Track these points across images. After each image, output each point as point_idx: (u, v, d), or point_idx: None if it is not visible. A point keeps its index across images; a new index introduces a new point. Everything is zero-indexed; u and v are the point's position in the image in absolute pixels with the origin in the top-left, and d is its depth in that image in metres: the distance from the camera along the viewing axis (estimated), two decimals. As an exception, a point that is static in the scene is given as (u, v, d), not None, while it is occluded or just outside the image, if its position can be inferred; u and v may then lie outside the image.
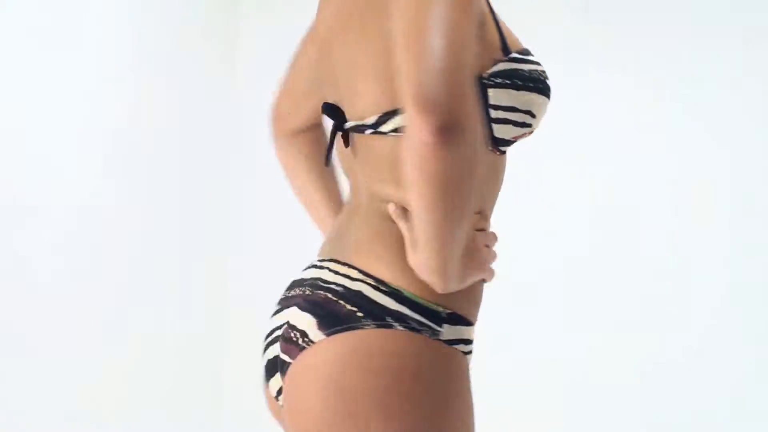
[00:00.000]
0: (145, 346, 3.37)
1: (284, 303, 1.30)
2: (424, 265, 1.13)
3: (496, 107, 1.21)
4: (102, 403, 3.17)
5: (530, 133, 1.25)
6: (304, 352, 1.18)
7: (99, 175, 3.11)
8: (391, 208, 1.21)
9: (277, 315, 1.31)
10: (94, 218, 3.11)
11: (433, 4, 1.02)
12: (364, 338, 1.14)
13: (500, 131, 1.22)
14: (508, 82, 1.21)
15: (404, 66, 1.01)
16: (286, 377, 1.21)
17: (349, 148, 1.28)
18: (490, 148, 1.24)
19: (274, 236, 3.93)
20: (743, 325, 3.46)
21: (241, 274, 3.96)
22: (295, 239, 3.52)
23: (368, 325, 1.15)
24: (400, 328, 1.15)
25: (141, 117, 3.34)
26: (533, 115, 1.23)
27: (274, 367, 1.29)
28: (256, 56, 4.01)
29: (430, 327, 1.17)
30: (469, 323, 1.21)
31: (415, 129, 0.99)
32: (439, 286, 1.14)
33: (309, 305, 1.21)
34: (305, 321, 1.20)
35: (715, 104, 3.54)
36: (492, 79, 1.20)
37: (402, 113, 1.13)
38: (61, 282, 2.97)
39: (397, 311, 1.16)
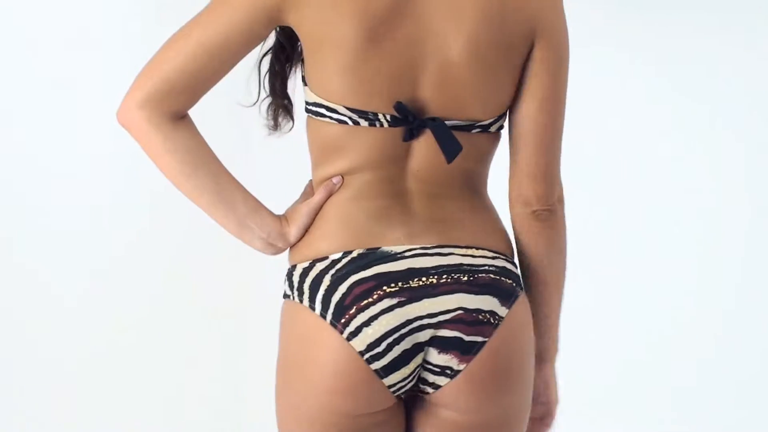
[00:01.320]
0: (157, 348, 3.32)
1: (412, 293, 1.37)
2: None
3: None
4: (115, 407, 3.16)
5: None
6: (504, 325, 1.41)
7: (108, 173, 3.08)
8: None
9: (409, 306, 1.37)
10: (104, 217, 3.08)
11: (562, 106, 1.48)
12: (523, 301, 1.46)
13: None
14: None
15: (545, 159, 1.46)
16: (490, 349, 1.40)
17: (411, 140, 1.41)
18: None
19: None
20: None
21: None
22: None
23: (520, 291, 1.46)
24: (523, 288, 1.50)
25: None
26: None
27: (410, 355, 1.38)
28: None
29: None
30: None
31: (561, 215, 1.51)
32: None
33: (482, 288, 1.40)
34: (488, 302, 1.40)
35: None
36: None
37: (505, 116, 1.47)
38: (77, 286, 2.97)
39: (518, 275, 1.49)
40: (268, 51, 1.49)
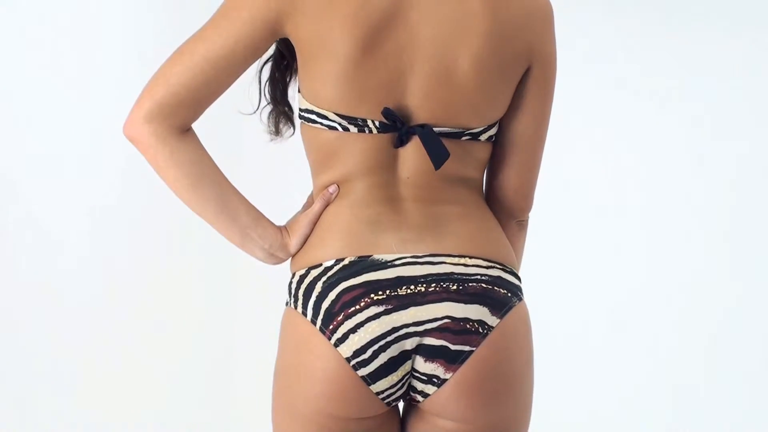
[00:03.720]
0: (147, 347, 3.35)
1: (399, 301, 1.38)
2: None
3: None
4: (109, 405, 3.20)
5: None
6: (495, 334, 1.41)
7: (102, 174, 3.13)
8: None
9: (395, 314, 1.37)
10: (102, 217, 3.14)
11: (545, 129, 1.56)
12: (520, 311, 1.45)
13: None
14: None
15: (530, 174, 1.56)
16: (477, 358, 1.40)
17: (400, 147, 1.43)
18: None
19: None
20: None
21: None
22: None
23: (515, 301, 1.45)
24: (522, 297, 1.48)
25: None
26: None
27: (397, 363, 1.39)
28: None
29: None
30: None
31: (525, 222, 1.62)
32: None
33: (472, 297, 1.40)
34: (477, 311, 1.40)
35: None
36: None
37: (495, 126, 1.50)
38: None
39: (518, 285, 1.48)
40: (269, 59, 1.51)
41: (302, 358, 1.40)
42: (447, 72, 1.40)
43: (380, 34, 1.37)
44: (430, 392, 1.41)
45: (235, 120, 1.64)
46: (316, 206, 1.45)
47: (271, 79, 1.53)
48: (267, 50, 1.44)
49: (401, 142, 1.42)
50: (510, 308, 1.43)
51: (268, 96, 1.54)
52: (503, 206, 1.56)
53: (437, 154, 1.40)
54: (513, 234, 1.59)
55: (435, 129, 1.42)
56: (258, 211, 1.48)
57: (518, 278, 1.49)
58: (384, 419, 1.46)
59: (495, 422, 1.43)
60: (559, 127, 1.81)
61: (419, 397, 1.43)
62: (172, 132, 1.38)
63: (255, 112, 1.55)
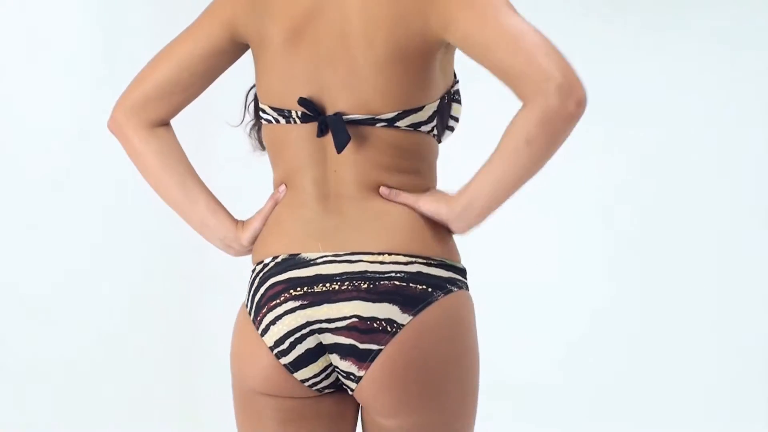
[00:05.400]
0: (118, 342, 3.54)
1: (313, 298, 1.44)
2: (476, 212, 1.45)
3: (453, 118, 1.56)
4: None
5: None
6: (405, 332, 1.42)
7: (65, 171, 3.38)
8: (384, 190, 1.47)
9: (309, 309, 1.44)
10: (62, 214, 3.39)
11: (504, 15, 1.37)
12: (443, 304, 1.44)
13: (445, 135, 1.57)
14: (458, 98, 1.56)
15: (523, 60, 1.33)
16: (385, 357, 1.42)
17: (321, 137, 1.47)
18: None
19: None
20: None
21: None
22: None
23: (439, 294, 1.44)
24: (455, 290, 1.47)
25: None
26: (457, 121, 1.58)
27: (313, 355, 1.46)
28: None
29: (465, 282, 1.51)
30: None
31: (556, 105, 1.32)
32: (467, 228, 1.49)
33: (380, 295, 1.42)
34: (386, 310, 1.42)
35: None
36: (455, 95, 1.55)
37: (418, 111, 1.46)
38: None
39: (449, 277, 1.47)
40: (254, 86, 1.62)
41: (239, 344, 1.53)
42: (355, 61, 1.45)
43: (303, 28, 1.47)
44: (353, 387, 1.46)
45: (223, 128, 1.78)
46: (266, 205, 1.56)
47: (255, 98, 1.63)
48: (234, 56, 1.58)
49: (321, 131, 1.46)
50: (428, 303, 1.43)
51: (251, 112, 1.65)
52: (519, 94, 1.38)
53: (339, 139, 1.44)
54: (512, 121, 1.39)
55: (347, 117, 1.45)
56: (219, 204, 1.61)
57: (452, 269, 1.48)
58: (327, 400, 1.53)
59: (421, 419, 1.45)
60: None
61: (349, 391, 1.49)
62: (144, 126, 1.56)
63: (239, 125, 1.67)
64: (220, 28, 1.54)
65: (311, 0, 1.47)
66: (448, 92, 1.53)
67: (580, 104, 1.33)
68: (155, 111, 1.56)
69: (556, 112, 1.33)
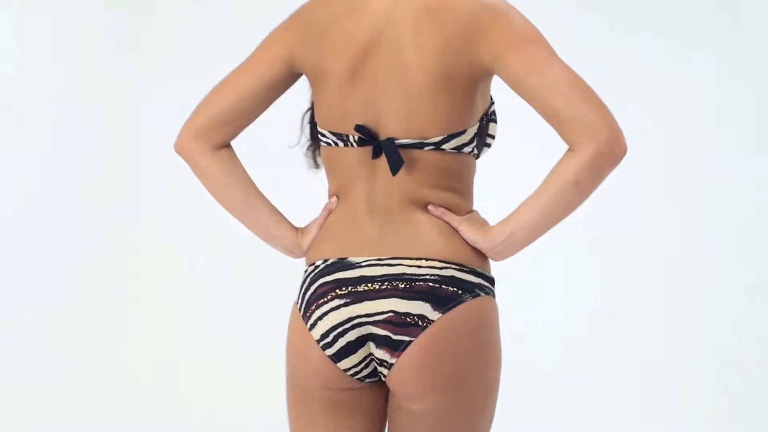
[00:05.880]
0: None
1: (356, 296, 1.62)
2: (513, 244, 1.63)
3: (490, 136, 1.73)
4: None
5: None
6: (435, 327, 1.59)
7: None
8: (432, 208, 1.65)
9: (352, 306, 1.62)
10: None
11: (551, 61, 1.55)
12: (471, 306, 1.61)
13: (483, 151, 1.74)
14: (494, 117, 1.72)
15: (576, 109, 1.51)
16: (416, 347, 1.60)
17: (376, 159, 1.64)
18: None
19: (174, 238, 4.13)
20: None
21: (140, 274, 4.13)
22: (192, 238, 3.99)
23: (467, 297, 1.61)
24: (483, 294, 1.63)
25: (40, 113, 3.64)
26: (494, 138, 1.75)
27: (355, 346, 1.64)
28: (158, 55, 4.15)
29: (492, 289, 1.68)
30: None
31: (606, 154, 1.51)
32: (502, 258, 1.67)
33: (415, 294, 1.59)
34: (419, 307, 1.59)
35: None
36: (492, 116, 1.71)
37: (461, 135, 1.62)
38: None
39: (478, 283, 1.64)
40: (311, 108, 1.79)
41: (292, 339, 1.71)
42: (406, 90, 1.61)
43: (361, 62, 1.62)
44: (385, 373, 1.64)
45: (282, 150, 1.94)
46: (321, 215, 1.74)
47: (310, 122, 1.80)
48: (290, 84, 1.74)
49: (376, 154, 1.63)
50: (457, 303, 1.60)
51: (308, 135, 1.82)
52: (566, 137, 1.55)
53: (394, 162, 1.60)
54: (560, 163, 1.56)
55: (398, 141, 1.61)
56: (280, 214, 1.79)
57: (481, 276, 1.64)
58: (364, 392, 1.69)
59: (446, 406, 1.61)
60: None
61: (382, 377, 1.66)
62: (209, 149, 1.74)
63: (296, 146, 1.84)
64: (279, 62, 1.71)
65: (367, 36, 1.62)
66: (486, 113, 1.69)
67: (625, 152, 1.52)
68: (219, 135, 1.74)
69: (606, 158, 1.51)
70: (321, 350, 1.65)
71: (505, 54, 1.56)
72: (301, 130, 1.83)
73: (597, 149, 1.50)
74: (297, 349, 1.70)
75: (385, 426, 1.75)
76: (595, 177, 1.53)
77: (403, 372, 1.61)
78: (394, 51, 1.61)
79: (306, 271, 1.72)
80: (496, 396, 1.68)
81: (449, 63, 1.59)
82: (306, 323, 1.67)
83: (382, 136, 1.63)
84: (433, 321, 1.59)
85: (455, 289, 1.60)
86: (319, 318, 1.66)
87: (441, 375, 1.60)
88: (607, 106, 1.52)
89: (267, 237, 1.81)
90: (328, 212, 1.73)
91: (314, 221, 1.77)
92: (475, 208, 1.73)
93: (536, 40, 1.57)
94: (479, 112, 1.66)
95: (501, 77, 1.60)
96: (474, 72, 1.61)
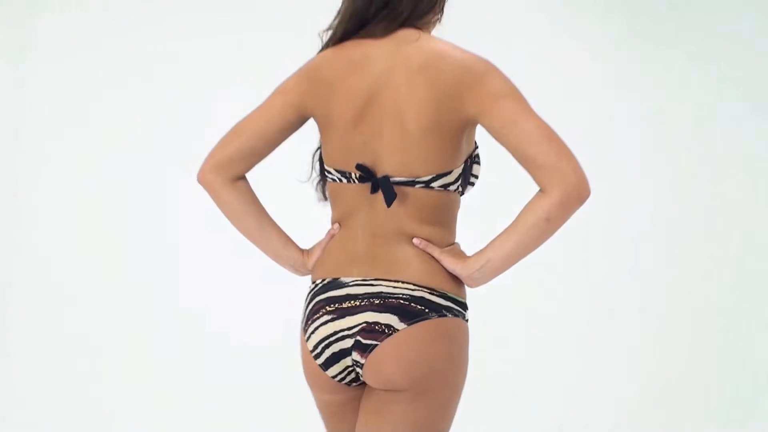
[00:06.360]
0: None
1: (340, 312, 1.84)
2: (488, 272, 1.83)
3: (474, 176, 1.92)
4: None
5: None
6: (397, 335, 1.79)
7: None
8: (416, 241, 1.85)
9: (337, 321, 1.84)
10: None
11: (530, 117, 1.75)
12: (436, 322, 1.80)
13: (467, 189, 1.92)
14: (478, 160, 1.92)
15: (548, 157, 1.71)
16: (379, 351, 1.80)
17: (374, 193, 1.84)
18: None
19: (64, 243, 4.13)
20: None
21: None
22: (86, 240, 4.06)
23: (433, 315, 1.80)
24: (450, 315, 1.82)
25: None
26: (477, 178, 1.93)
27: (337, 357, 1.86)
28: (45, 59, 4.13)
29: (462, 313, 1.86)
30: None
31: (574, 196, 1.72)
32: (477, 285, 1.86)
33: (386, 308, 1.80)
34: (387, 318, 1.80)
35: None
36: (476, 158, 1.91)
37: (448, 175, 1.82)
38: None
39: (447, 306, 1.83)
40: (319, 148, 1.99)
41: (301, 350, 1.95)
42: (401, 134, 1.81)
43: (362, 111, 1.83)
44: (359, 371, 1.86)
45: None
46: (325, 239, 1.96)
47: (320, 159, 1.99)
48: (298, 127, 1.96)
49: (373, 189, 1.84)
50: (422, 319, 1.79)
51: (317, 171, 2.02)
52: (538, 180, 1.76)
53: (388, 196, 1.81)
54: (532, 202, 1.77)
55: (393, 178, 1.82)
56: (288, 237, 2.02)
57: (452, 300, 1.83)
58: (354, 395, 1.93)
59: (411, 388, 1.80)
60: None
61: (360, 376, 1.88)
62: (228, 181, 1.96)
63: (307, 181, 2.06)
64: (291, 108, 1.92)
65: (368, 90, 1.83)
66: (471, 156, 1.88)
67: (588, 194, 1.75)
68: (237, 169, 1.97)
69: (573, 200, 1.73)
70: (314, 359, 1.90)
71: (488, 108, 1.77)
72: (312, 167, 2.04)
73: (566, 191, 1.72)
74: (303, 360, 1.95)
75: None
76: (564, 215, 1.75)
77: (372, 367, 1.82)
78: (392, 102, 1.81)
79: (309, 289, 1.95)
80: (458, 401, 1.86)
81: (439, 113, 1.79)
82: (304, 335, 1.92)
83: (379, 174, 1.84)
84: (398, 330, 1.79)
85: (422, 307, 1.80)
86: (312, 332, 1.89)
87: (406, 361, 1.78)
88: (575, 155, 1.75)
89: (277, 257, 2.05)
90: (331, 236, 1.94)
91: (318, 244, 1.99)
92: (457, 240, 1.93)
93: (514, 96, 1.77)
94: (464, 155, 1.86)
95: (484, 127, 1.81)
96: (460, 122, 1.81)
